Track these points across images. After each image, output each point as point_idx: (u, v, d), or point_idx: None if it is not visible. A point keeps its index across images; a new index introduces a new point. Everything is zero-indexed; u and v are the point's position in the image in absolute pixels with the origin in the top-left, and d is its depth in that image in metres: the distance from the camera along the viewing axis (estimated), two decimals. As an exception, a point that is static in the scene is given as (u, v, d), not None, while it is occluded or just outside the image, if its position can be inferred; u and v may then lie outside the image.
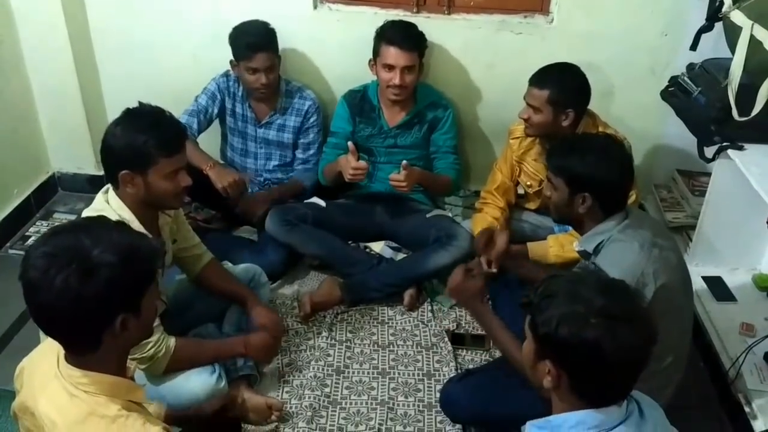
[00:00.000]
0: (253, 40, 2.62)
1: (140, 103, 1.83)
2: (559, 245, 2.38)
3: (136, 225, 1.76)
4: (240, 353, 2.04)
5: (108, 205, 1.80)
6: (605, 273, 1.56)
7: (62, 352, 1.23)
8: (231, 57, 2.68)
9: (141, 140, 1.72)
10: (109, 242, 1.15)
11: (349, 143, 2.56)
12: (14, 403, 1.33)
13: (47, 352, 1.28)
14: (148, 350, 1.80)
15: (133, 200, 1.80)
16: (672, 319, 1.72)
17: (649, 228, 1.77)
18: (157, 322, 1.83)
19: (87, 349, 1.19)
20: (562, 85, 2.28)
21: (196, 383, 1.90)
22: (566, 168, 1.78)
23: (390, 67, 2.58)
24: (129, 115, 1.78)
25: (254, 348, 2.01)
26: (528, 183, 2.59)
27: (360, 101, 2.77)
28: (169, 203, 1.88)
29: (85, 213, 1.82)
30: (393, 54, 2.56)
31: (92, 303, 1.13)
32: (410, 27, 2.65)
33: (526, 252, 2.43)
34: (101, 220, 1.26)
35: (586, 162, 1.75)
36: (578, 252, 1.84)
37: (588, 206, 1.76)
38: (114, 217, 1.70)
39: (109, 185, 1.84)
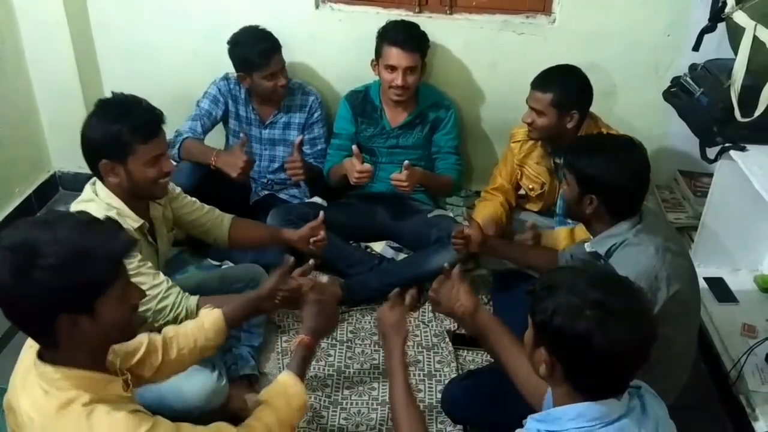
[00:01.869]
0: (264, 47, 2.59)
1: (113, 93, 1.82)
2: (571, 238, 2.35)
3: (126, 212, 1.77)
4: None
5: (96, 195, 1.79)
6: (613, 269, 1.56)
7: (36, 347, 1.23)
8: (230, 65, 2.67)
9: (115, 129, 1.72)
10: (61, 241, 1.13)
11: (354, 147, 2.56)
12: (3, 401, 1.33)
13: (27, 349, 1.28)
14: (168, 314, 1.77)
15: (118, 189, 1.79)
16: (683, 324, 1.73)
17: (662, 233, 1.75)
18: (167, 284, 1.80)
19: (48, 344, 1.19)
20: (566, 87, 2.27)
21: (197, 382, 1.89)
22: (576, 167, 1.77)
23: (392, 68, 2.58)
24: (103, 105, 1.78)
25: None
26: (530, 186, 2.56)
27: (362, 101, 2.77)
28: (153, 191, 1.85)
29: (74, 205, 1.81)
30: (395, 55, 2.56)
31: (29, 301, 1.12)
32: (412, 27, 2.64)
33: (504, 243, 2.40)
34: (70, 217, 1.23)
35: (596, 164, 1.73)
36: (590, 253, 1.82)
37: (594, 207, 1.74)
38: (102, 207, 1.71)
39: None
